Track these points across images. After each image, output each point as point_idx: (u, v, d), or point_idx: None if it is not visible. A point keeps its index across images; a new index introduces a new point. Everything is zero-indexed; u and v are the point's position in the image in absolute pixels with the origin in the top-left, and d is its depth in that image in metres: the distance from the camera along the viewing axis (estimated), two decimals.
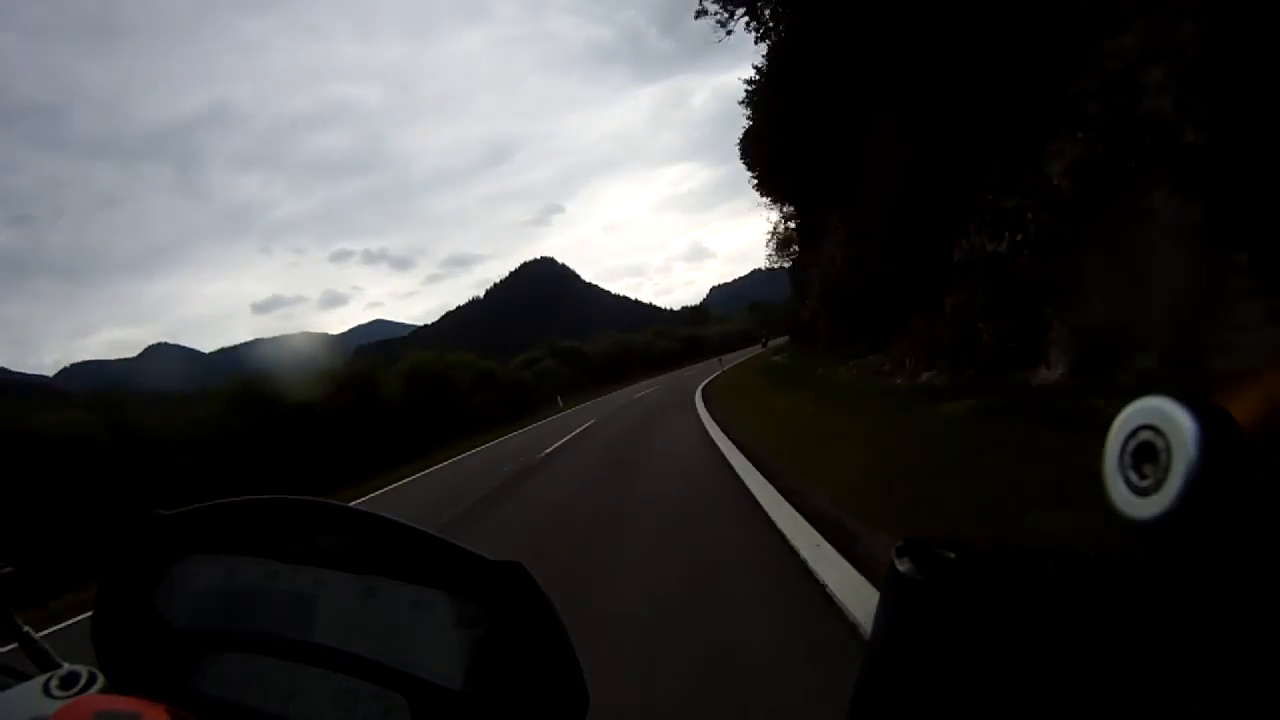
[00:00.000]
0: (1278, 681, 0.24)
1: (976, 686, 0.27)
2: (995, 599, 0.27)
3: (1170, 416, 0.27)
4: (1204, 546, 0.26)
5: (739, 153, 22.72)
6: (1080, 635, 0.26)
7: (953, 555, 0.28)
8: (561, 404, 28.18)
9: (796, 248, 24.80)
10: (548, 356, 47.37)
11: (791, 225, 24.19)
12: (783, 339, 37.27)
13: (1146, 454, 0.27)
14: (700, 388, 18.95)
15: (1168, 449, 0.27)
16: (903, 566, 0.28)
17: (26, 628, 0.50)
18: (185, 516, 0.47)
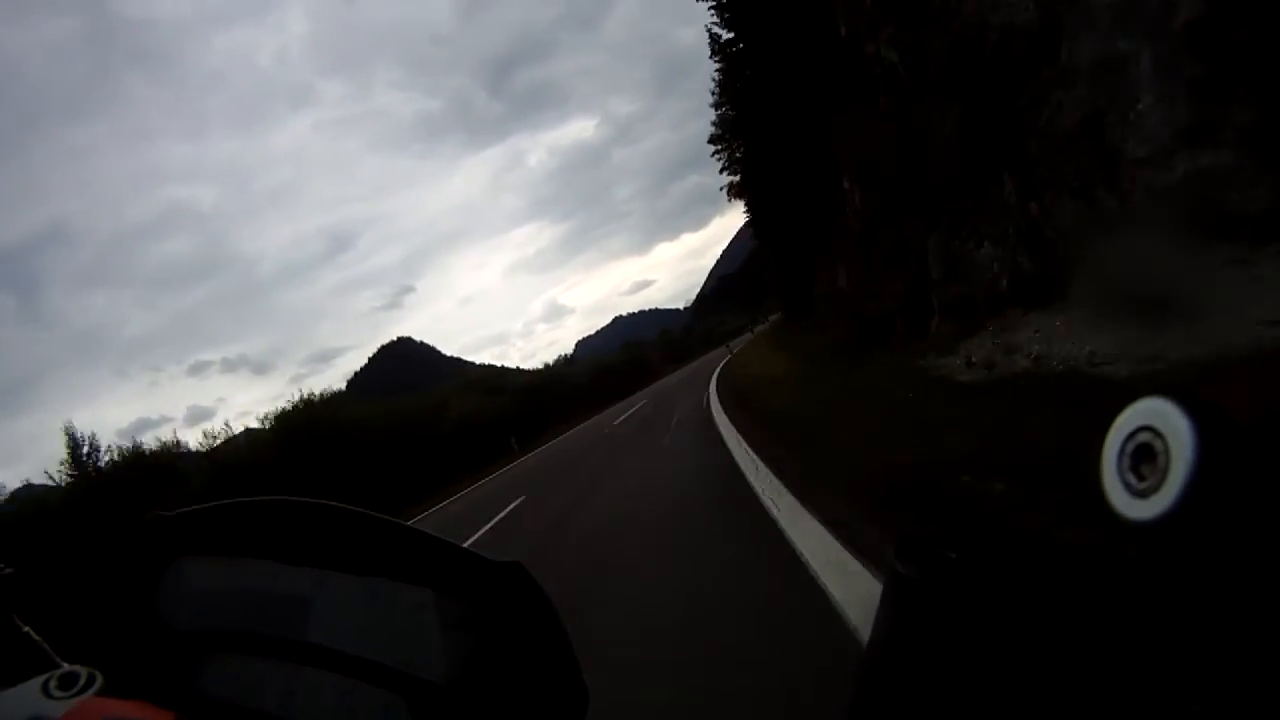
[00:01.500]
0: (1278, 681, 0.24)
1: (976, 686, 0.27)
2: (995, 599, 0.27)
3: (1168, 418, 0.27)
4: (1203, 547, 0.26)
5: None
6: (1081, 635, 0.26)
7: (954, 555, 0.28)
8: None
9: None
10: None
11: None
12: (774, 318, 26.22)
13: (1145, 455, 0.27)
14: None
15: (1166, 450, 0.27)
16: (902, 566, 0.28)
17: (26, 628, 0.50)
18: (185, 517, 0.47)
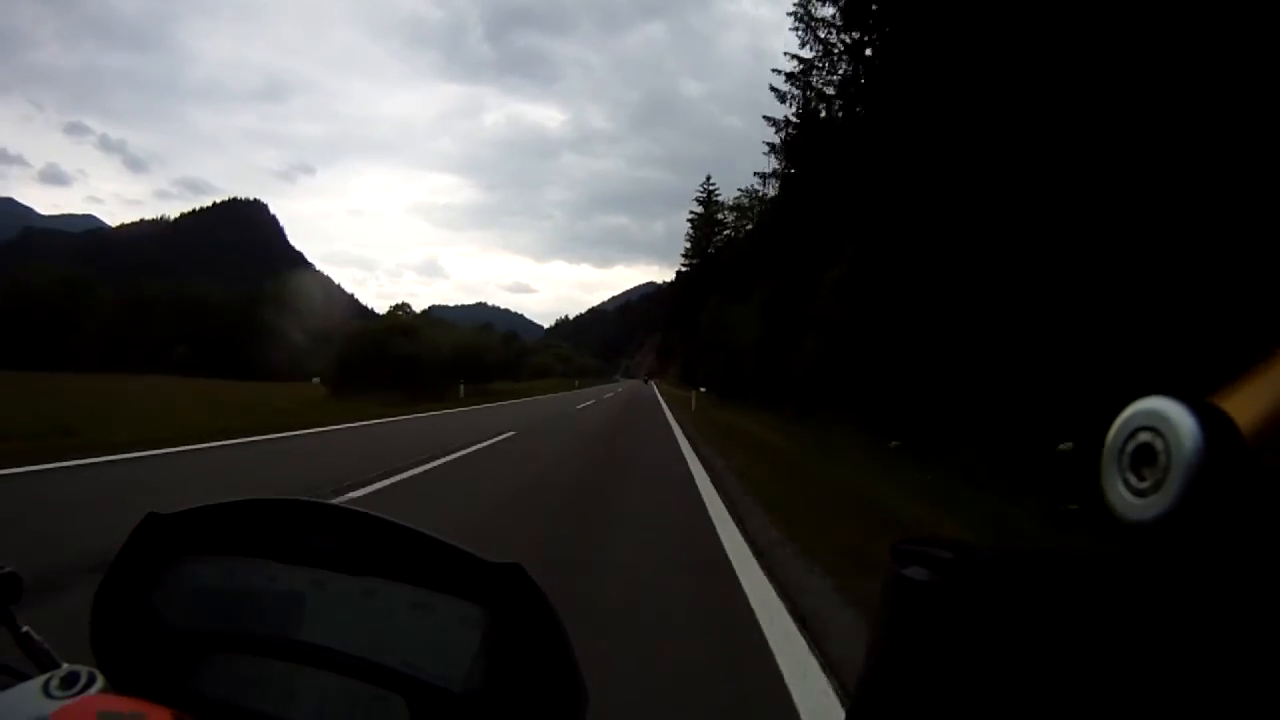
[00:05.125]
0: (1278, 681, 0.24)
1: (976, 688, 0.27)
2: (994, 600, 0.27)
3: (1169, 417, 0.27)
4: (1204, 547, 0.26)
5: None
6: (1080, 636, 0.26)
7: (950, 555, 0.28)
8: None
9: None
10: None
11: None
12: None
13: (1145, 455, 0.27)
14: None
15: (1166, 450, 0.27)
16: (901, 568, 0.28)
17: (26, 628, 0.50)
18: (184, 516, 0.47)
